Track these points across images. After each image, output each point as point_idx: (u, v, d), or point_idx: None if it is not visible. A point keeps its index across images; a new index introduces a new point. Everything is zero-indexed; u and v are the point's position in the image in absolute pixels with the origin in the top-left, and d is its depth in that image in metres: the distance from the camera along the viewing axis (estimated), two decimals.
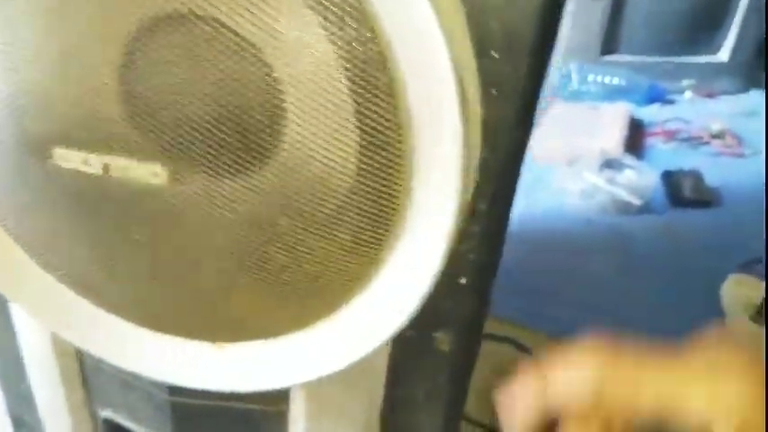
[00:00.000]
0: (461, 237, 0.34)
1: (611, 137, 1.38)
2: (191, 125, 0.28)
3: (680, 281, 1.03)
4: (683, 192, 1.26)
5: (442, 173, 0.28)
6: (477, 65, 0.29)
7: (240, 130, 0.29)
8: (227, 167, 0.29)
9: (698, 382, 0.24)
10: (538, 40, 0.28)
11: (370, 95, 0.28)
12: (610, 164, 1.30)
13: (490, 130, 0.30)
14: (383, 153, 0.29)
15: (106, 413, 0.48)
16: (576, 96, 1.71)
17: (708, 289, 0.97)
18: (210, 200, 0.30)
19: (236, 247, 0.31)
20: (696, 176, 1.29)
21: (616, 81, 1.72)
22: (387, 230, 0.31)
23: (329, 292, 0.33)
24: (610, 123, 1.46)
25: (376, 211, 0.31)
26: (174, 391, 0.42)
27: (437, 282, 0.36)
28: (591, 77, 1.70)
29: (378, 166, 0.29)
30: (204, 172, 0.29)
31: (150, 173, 0.29)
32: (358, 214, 0.31)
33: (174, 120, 0.28)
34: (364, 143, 0.29)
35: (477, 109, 0.30)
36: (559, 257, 1.06)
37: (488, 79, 0.29)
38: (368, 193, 0.30)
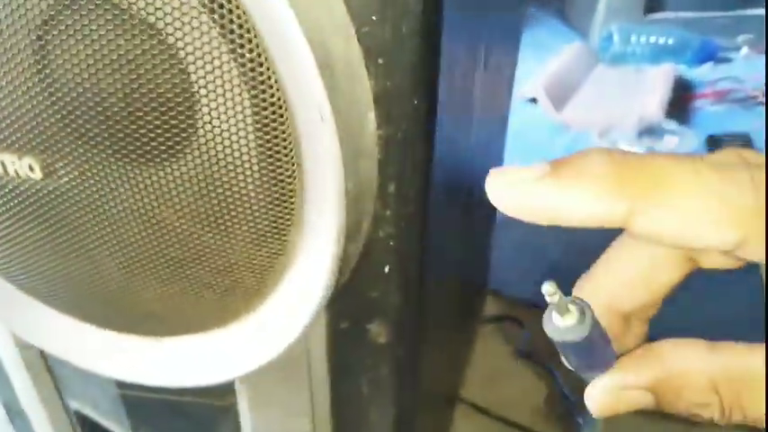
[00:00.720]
0: (377, 223, 0.31)
1: (651, 101, 1.29)
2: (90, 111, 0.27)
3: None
4: None
5: (321, 154, 0.26)
6: (360, 34, 0.26)
7: (143, 120, 0.27)
8: (140, 158, 0.28)
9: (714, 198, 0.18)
10: None
11: (250, 70, 0.25)
12: (649, 130, 1.22)
13: (384, 104, 0.28)
14: (269, 133, 0.27)
15: (75, 405, 0.48)
16: (619, 60, 1.61)
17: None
18: (87, 194, 0.29)
19: (126, 242, 0.30)
20: (744, 140, 1.20)
21: (663, 40, 1.61)
22: (284, 221, 0.29)
23: (242, 286, 0.32)
24: (651, 86, 1.37)
25: (269, 199, 0.29)
26: (122, 385, 0.42)
27: (362, 272, 0.33)
28: (634, 38, 1.60)
29: (266, 146, 0.27)
30: (76, 163, 0.28)
31: (26, 165, 0.28)
32: (250, 203, 0.29)
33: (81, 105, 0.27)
34: (257, 124, 0.27)
35: (364, 83, 0.27)
36: (586, 235, 1.00)
37: (372, 48, 0.26)
38: (261, 180, 0.28)
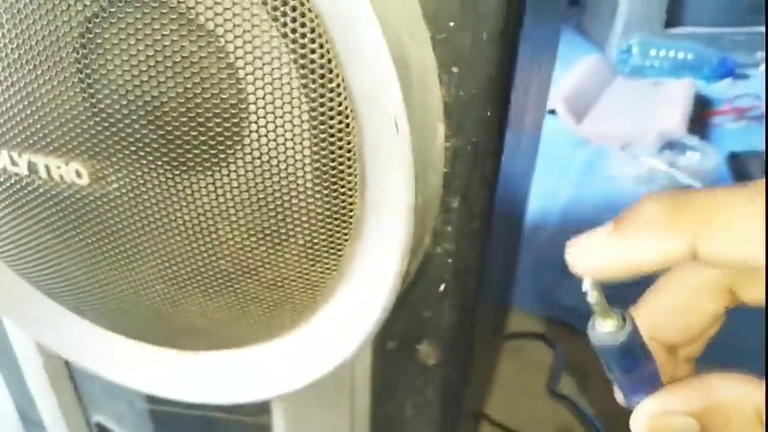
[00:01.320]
0: (435, 239, 0.30)
1: (673, 115, 1.28)
2: (141, 116, 0.25)
3: None
4: (750, 175, 1.15)
5: (392, 167, 0.24)
6: (435, 41, 0.25)
7: (195, 125, 0.25)
8: (180, 165, 0.26)
9: None
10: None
11: (313, 76, 0.24)
12: (671, 145, 1.20)
13: (455, 115, 0.26)
14: (332, 143, 0.25)
15: (97, 418, 0.47)
16: (638, 73, 1.60)
17: None
18: (137, 201, 0.27)
19: (175, 254, 0.28)
20: (765, 158, 1.18)
21: (682, 55, 1.60)
22: (342, 234, 0.28)
23: (292, 302, 0.30)
24: (672, 101, 1.35)
25: (327, 212, 0.27)
26: (153, 399, 0.40)
27: (415, 290, 0.32)
28: (653, 52, 1.59)
29: (326, 157, 0.25)
30: (129, 169, 0.26)
31: (73, 171, 0.27)
32: (307, 216, 0.27)
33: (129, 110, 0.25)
34: (314, 131, 0.25)
35: (436, 93, 0.26)
36: None
37: (448, 56, 0.25)
38: (317, 192, 0.26)
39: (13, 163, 0.27)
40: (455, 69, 0.25)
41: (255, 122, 0.25)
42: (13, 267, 0.34)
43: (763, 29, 1.65)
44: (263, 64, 0.23)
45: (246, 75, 0.24)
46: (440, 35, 0.25)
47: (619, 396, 0.23)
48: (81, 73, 0.25)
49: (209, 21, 0.23)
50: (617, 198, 1.10)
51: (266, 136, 0.25)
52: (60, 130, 0.26)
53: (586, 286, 0.20)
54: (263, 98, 0.24)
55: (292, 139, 0.25)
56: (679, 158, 1.17)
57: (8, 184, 0.29)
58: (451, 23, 0.24)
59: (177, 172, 0.26)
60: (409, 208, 0.25)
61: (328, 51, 0.23)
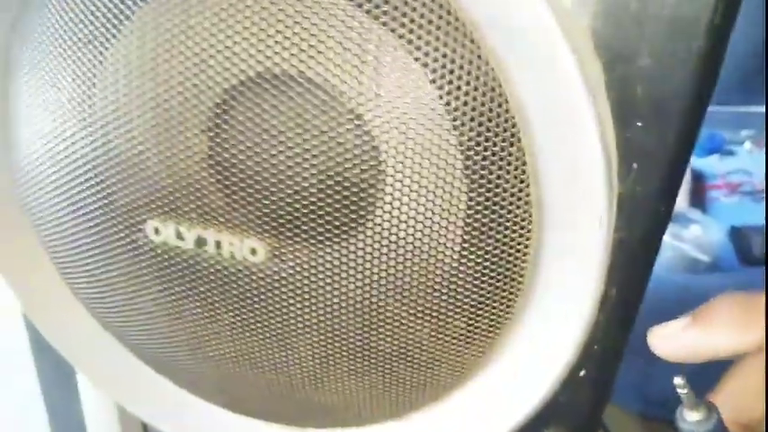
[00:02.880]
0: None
1: None
2: (286, 192, 0.26)
3: None
4: (752, 250, 1.19)
5: (582, 269, 0.25)
6: (619, 137, 0.26)
7: (338, 195, 0.26)
8: (324, 237, 0.26)
9: None
10: (692, 102, 0.25)
11: (492, 166, 0.25)
12: (675, 218, 1.24)
13: (627, 208, 0.27)
14: (503, 232, 0.26)
15: None
16: None
17: None
18: (310, 278, 0.27)
19: (336, 332, 0.28)
20: (765, 233, 1.23)
21: None
22: (505, 318, 0.28)
23: (436, 381, 0.30)
24: None
25: (490, 295, 0.27)
26: None
27: None
28: None
29: (495, 244, 0.26)
30: (304, 245, 0.26)
31: (248, 248, 0.27)
32: (469, 297, 0.27)
33: (269, 188, 0.26)
34: (477, 216, 0.26)
35: (615, 185, 0.26)
36: None
37: (629, 152, 0.26)
38: (481, 273, 0.27)
39: (179, 236, 0.27)
40: (635, 165, 0.26)
41: (396, 200, 0.25)
42: (133, 340, 0.34)
43: (747, 109, 1.74)
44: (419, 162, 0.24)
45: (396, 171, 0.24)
46: (626, 133, 0.26)
47: None
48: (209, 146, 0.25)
49: (367, 112, 0.24)
50: None
51: (406, 216, 0.25)
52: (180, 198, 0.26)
53: (677, 379, 0.23)
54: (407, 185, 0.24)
55: (445, 227, 0.26)
56: (683, 232, 1.21)
57: (164, 257, 0.28)
58: (639, 123, 0.25)
59: (351, 242, 0.26)
60: (592, 306, 0.25)
61: (519, 140, 0.24)
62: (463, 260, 0.26)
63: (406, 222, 0.25)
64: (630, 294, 0.29)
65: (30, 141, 0.32)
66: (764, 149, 1.67)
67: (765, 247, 1.17)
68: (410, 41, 0.23)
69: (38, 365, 0.46)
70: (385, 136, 0.24)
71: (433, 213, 0.25)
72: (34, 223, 0.35)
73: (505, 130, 0.24)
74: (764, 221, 1.29)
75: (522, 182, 0.25)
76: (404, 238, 0.26)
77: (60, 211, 0.32)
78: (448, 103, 0.24)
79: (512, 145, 0.24)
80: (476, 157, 0.25)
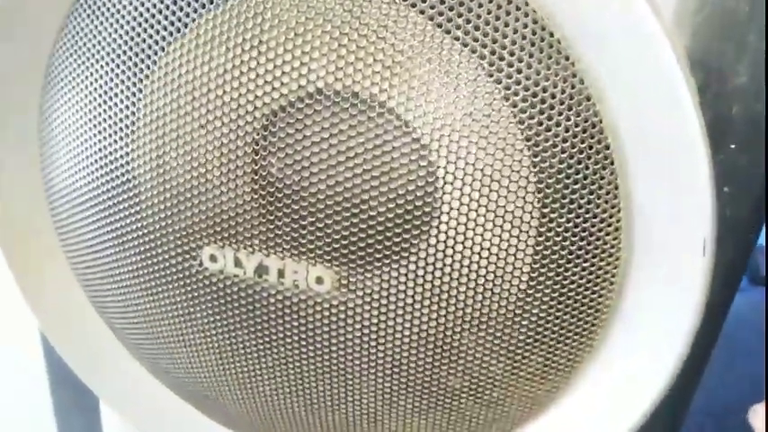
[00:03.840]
0: None
1: None
2: (358, 217, 0.24)
3: (761, 361, 0.95)
4: (760, 270, 1.19)
5: (676, 286, 0.23)
6: (711, 160, 0.24)
7: (406, 213, 0.24)
8: (391, 259, 0.25)
9: None
10: None
11: (582, 190, 0.23)
12: None
13: (717, 234, 0.25)
14: (590, 260, 0.24)
15: None
16: None
17: None
18: (380, 308, 0.25)
19: (403, 366, 0.26)
20: (766, 253, 1.22)
21: None
22: (586, 349, 0.26)
23: (505, 419, 0.28)
24: None
25: (571, 327, 0.26)
26: None
27: None
28: None
29: (580, 272, 0.24)
30: (375, 273, 0.25)
31: (313, 277, 0.25)
32: (549, 330, 0.26)
33: (341, 212, 0.24)
34: (558, 239, 0.24)
35: None
36: None
37: (722, 176, 0.25)
38: (561, 302, 0.25)
39: (238, 264, 0.25)
40: (726, 189, 0.25)
41: (450, 229, 0.23)
42: (172, 374, 0.32)
43: None
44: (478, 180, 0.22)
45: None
46: (720, 155, 0.24)
47: None
48: (262, 179, 0.24)
49: (424, 135, 0.22)
50: None
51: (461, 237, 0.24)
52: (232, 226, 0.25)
53: None
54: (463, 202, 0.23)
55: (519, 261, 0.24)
56: None
57: (219, 286, 0.26)
58: (732, 146, 0.24)
59: (415, 261, 0.25)
60: (689, 336, 0.23)
61: (611, 173, 0.23)
62: (539, 286, 0.25)
63: (464, 234, 0.24)
64: (711, 326, 0.27)
65: (66, 161, 0.30)
66: None
67: (765, 267, 1.17)
68: (483, 56, 0.21)
69: (54, 398, 0.43)
70: (444, 150, 0.22)
71: (494, 234, 0.24)
72: (65, 248, 0.33)
73: (598, 153, 0.22)
74: None
75: (613, 207, 0.23)
76: (468, 257, 0.24)
77: (96, 237, 0.30)
78: (522, 122, 0.22)
79: (604, 168, 0.23)
80: (556, 181, 0.23)
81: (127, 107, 0.26)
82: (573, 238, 0.24)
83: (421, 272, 0.24)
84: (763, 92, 0.23)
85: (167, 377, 0.33)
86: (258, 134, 0.24)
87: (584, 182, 0.23)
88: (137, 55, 0.26)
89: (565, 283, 0.25)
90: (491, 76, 0.22)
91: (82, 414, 0.43)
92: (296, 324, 0.26)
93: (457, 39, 0.21)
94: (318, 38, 0.22)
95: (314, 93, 0.23)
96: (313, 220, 0.24)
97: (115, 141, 0.27)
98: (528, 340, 0.26)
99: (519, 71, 0.21)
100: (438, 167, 0.23)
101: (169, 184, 0.25)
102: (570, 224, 0.24)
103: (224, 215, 0.25)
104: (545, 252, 0.24)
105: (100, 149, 0.28)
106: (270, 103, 0.23)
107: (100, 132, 0.28)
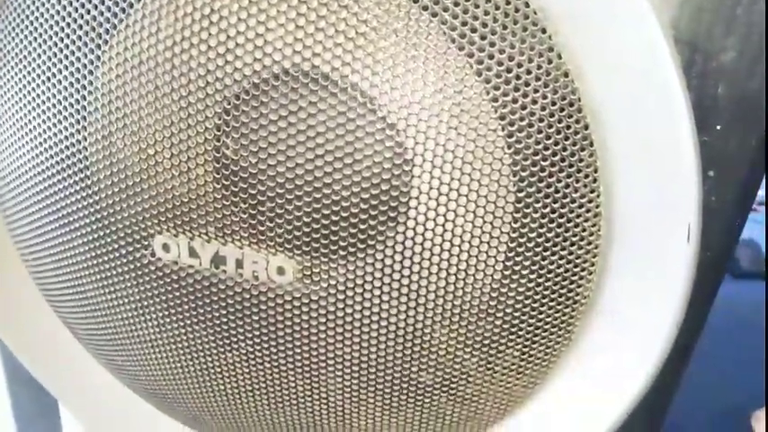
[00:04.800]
0: None
1: None
2: (322, 203, 0.22)
3: (741, 356, 0.95)
4: (740, 263, 1.19)
5: (658, 276, 0.22)
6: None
7: (374, 199, 0.22)
8: (357, 248, 0.23)
9: None
10: None
11: (560, 173, 0.22)
12: None
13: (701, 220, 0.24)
14: (568, 248, 0.23)
15: None
16: None
17: None
18: (346, 300, 0.24)
19: (372, 362, 0.25)
20: (753, 247, 1.23)
21: None
22: (563, 342, 0.25)
23: (479, 417, 0.27)
24: None
25: (549, 319, 0.24)
26: None
27: None
28: None
29: (557, 261, 0.23)
30: (340, 263, 0.23)
31: (274, 267, 0.23)
32: (525, 322, 0.24)
33: (303, 197, 0.22)
34: (534, 226, 0.23)
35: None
36: None
37: (706, 158, 0.23)
38: (537, 293, 0.24)
39: (193, 254, 0.24)
40: (711, 173, 0.23)
41: (421, 215, 0.22)
42: (127, 370, 0.30)
43: None
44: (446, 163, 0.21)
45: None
46: (704, 137, 0.23)
47: None
48: (217, 162, 0.22)
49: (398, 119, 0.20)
50: None
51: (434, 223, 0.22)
52: (195, 214, 0.23)
53: None
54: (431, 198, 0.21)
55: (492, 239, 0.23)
56: None
57: (173, 278, 0.25)
58: (718, 127, 0.23)
59: (385, 252, 0.23)
60: (674, 328, 0.22)
61: (590, 155, 0.21)
62: (515, 275, 0.23)
63: (434, 220, 0.22)
64: (695, 319, 0.26)
65: (9, 144, 0.28)
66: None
67: (766, 259, 1.17)
68: (453, 27, 0.20)
69: (13, 400, 0.41)
70: (412, 130, 0.21)
71: (467, 220, 0.22)
72: (13, 237, 0.31)
73: (576, 133, 0.21)
74: (752, 235, 1.29)
75: (592, 191, 0.22)
76: (439, 245, 0.22)
77: (46, 225, 0.28)
78: (495, 99, 0.21)
79: (582, 149, 0.21)
80: (532, 163, 0.22)
81: (77, 90, 0.25)
82: (550, 225, 0.23)
83: (389, 261, 0.23)
84: (755, 68, 0.22)
85: (124, 375, 0.31)
86: (219, 118, 0.22)
87: (562, 164, 0.21)
88: (86, 34, 0.24)
89: (541, 272, 0.23)
90: (462, 48, 0.20)
91: (42, 415, 0.41)
92: (256, 318, 0.24)
93: (425, 8, 0.20)
94: (275, 6, 0.20)
95: (279, 74, 0.21)
96: (272, 205, 0.22)
97: (64, 122, 0.25)
98: (503, 333, 0.24)
99: (492, 44, 0.20)
100: (407, 149, 0.21)
101: (117, 167, 0.24)
102: (547, 209, 0.22)
103: (176, 200, 0.23)
104: (521, 239, 0.23)
105: (48, 130, 0.26)
106: (232, 84, 0.22)
107: (48, 114, 0.26)
